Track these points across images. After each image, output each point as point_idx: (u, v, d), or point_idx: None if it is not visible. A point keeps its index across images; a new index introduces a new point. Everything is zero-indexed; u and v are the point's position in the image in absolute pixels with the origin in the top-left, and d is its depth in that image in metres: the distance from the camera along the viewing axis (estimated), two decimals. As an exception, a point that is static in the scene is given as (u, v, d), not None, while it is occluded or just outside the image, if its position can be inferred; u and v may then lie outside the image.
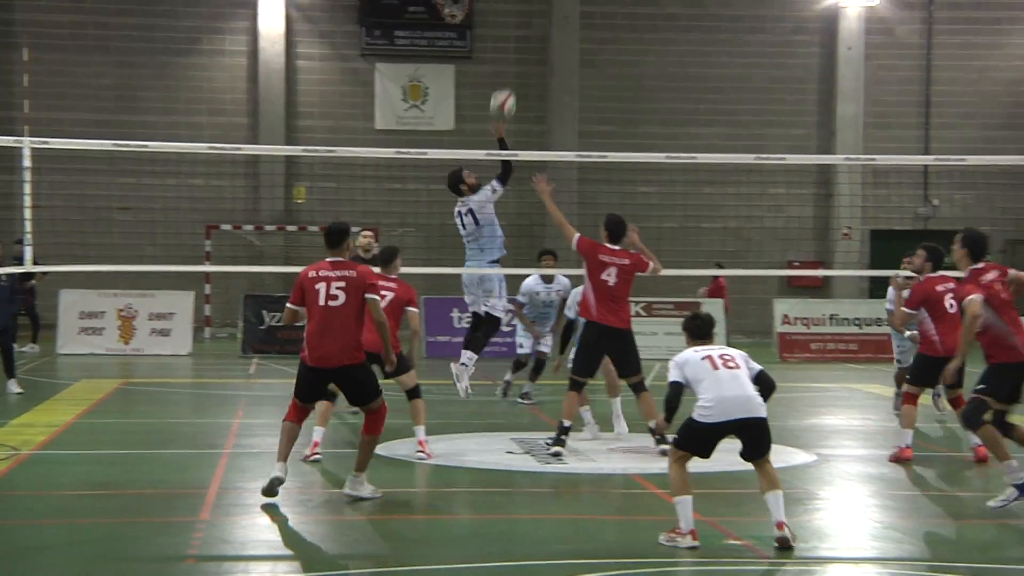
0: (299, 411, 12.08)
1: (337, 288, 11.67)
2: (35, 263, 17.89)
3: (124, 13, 32.80)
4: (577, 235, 14.95)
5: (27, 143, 17.22)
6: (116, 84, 32.84)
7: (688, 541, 9.97)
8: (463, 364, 15.27)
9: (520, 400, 19.50)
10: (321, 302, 11.72)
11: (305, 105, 33.58)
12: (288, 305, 12.21)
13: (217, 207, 31.20)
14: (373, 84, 33.64)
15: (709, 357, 10.36)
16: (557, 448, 14.51)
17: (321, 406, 13.35)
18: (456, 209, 16.53)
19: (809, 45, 34.63)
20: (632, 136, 32.74)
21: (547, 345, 19.40)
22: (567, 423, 14.65)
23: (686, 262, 26.38)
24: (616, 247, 14.88)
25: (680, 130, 32.79)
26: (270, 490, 11.56)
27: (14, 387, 20.46)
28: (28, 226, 17.81)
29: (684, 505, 10.08)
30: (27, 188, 17.46)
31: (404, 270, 16.74)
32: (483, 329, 15.90)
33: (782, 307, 29.73)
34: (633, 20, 34.20)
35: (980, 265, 12.57)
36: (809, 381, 24.47)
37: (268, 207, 32.67)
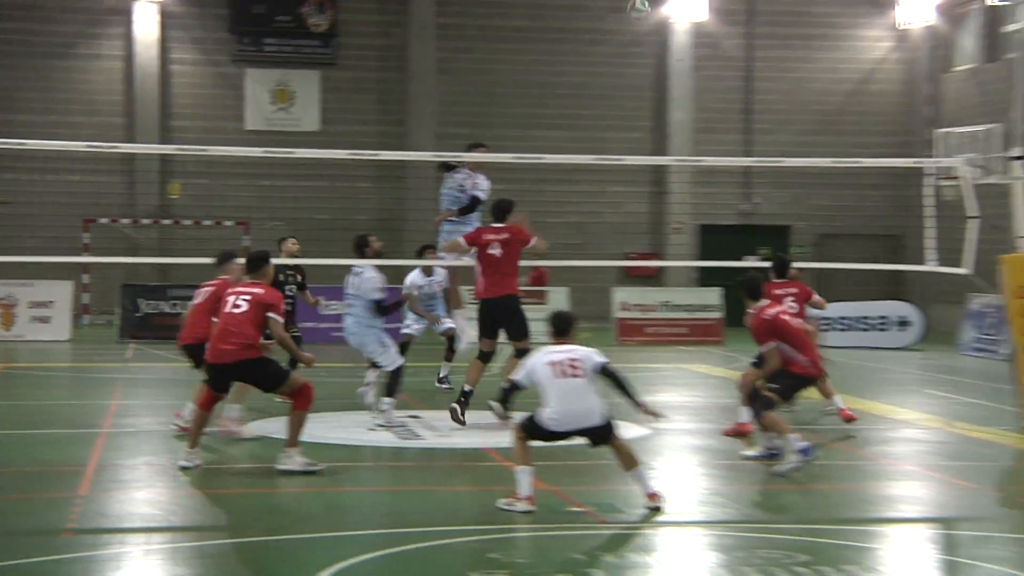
0: (213, 398, 12.22)
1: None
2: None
3: (4, 19, 32.12)
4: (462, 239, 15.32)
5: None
6: None
7: (524, 506, 10.08)
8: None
9: (439, 385, 18.75)
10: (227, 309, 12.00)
11: (179, 107, 33.17)
12: None
13: (95, 202, 30.68)
14: (243, 88, 33.32)
15: (555, 364, 10.43)
16: (455, 406, 14.49)
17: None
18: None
19: (644, 57, 34.87)
20: (484, 138, 32.47)
21: (449, 322, 18.56)
22: (468, 388, 14.68)
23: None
24: (500, 224, 15.40)
25: (528, 132, 32.83)
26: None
27: None
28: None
29: (523, 474, 10.20)
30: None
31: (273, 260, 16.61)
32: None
33: (620, 295, 29.96)
34: (485, 31, 34.22)
35: (764, 303, 13.17)
36: (644, 362, 24.66)
37: (144, 202, 32.26)
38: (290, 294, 17.18)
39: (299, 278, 17.80)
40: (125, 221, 31.26)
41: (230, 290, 12.45)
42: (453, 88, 33.90)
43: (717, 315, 29.89)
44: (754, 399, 12.73)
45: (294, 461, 11.80)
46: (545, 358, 10.59)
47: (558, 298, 28.47)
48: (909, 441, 15.33)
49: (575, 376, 10.40)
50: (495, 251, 14.99)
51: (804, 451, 12.00)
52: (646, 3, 18.14)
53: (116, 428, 15.12)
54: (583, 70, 34.45)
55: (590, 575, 8.58)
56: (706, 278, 31.98)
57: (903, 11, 35.55)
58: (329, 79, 33.60)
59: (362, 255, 15.98)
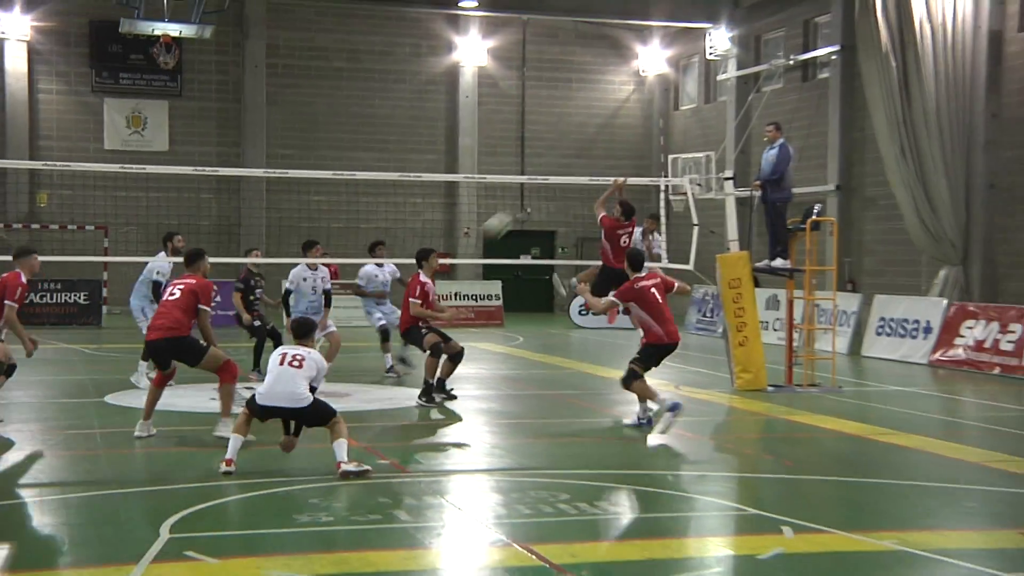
0: (161, 377, 11.87)
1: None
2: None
3: None
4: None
5: None
6: None
7: (224, 467, 9.83)
8: None
9: (390, 374, 17.68)
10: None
11: (46, 129, 32.04)
12: None
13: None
14: (103, 113, 32.36)
15: (283, 355, 10.12)
16: (425, 399, 14.38)
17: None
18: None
19: (438, 93, 34.91)
20: (308, 158, 32.40)
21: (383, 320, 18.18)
22: (430, 380, 14.45)
23: (349, 253, 26.34)
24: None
25: (344, 154, 32.57)
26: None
27: None
28: None
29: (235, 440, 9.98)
30: None
31: (128, 259, 16.27)
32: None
33: (419, 287, 29.92)
34: (308, 70, 33.85)
35: (641, 274, 13.03)
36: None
37: (15, 209, 31.11)
38: (257, 295, 17.18)
39: (262, 282, 17.44)
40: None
41: (174, 281, 12.13)
42: (281, 117, 33.49)
43: (498, 303, 30.16)
44: (625, 379, 12.69)
45: (227, 428, 11.07)
46: (277, 353, 10.26)
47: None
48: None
49: (294, 367, 10.00)
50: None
51: (673, 408, 12.07)
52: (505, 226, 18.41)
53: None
54: (389, 103, 34.37)
55: (394, 515, 8.58)
56: (489, 273, 32.22)
57: (642, 61, 36.32)
58: (176, 107, 32.89)
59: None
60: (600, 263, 16.14)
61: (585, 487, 9.73)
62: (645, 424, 12.76)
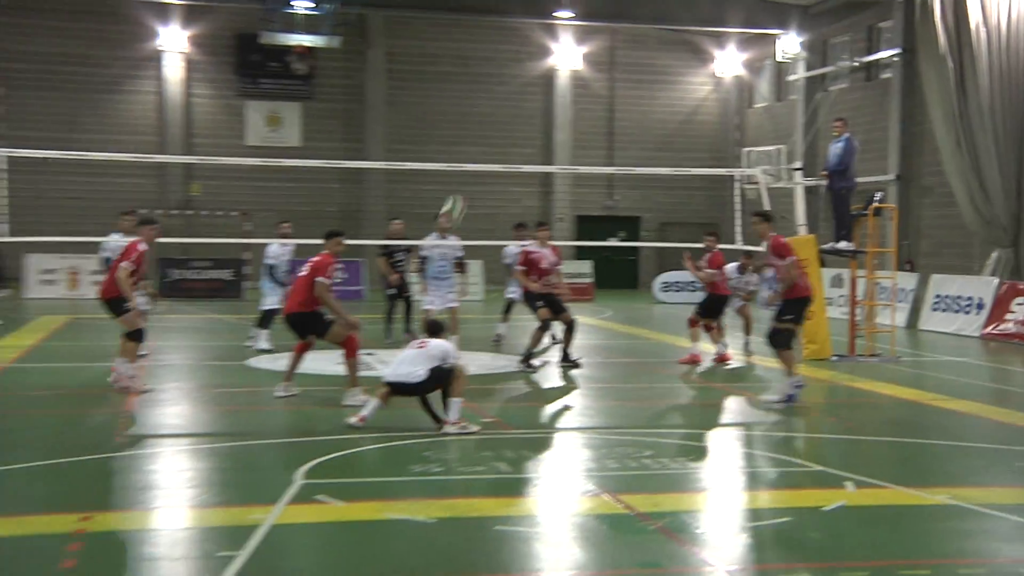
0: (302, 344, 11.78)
1: None
2: (11, 234, 17.11)
3: (70, 63, 31.43)
4: None
5: (1, 153, 16.37)
6: (66, 112, 31.44)
7: (354, 420, 9.84)
8: None
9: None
10: None
11: (198, 128, 32.64)
12: None
13: (134, 197, 30.10)
14: (245, 114, 32.87)
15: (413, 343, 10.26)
16: (525, 365, 14.25)
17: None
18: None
19: (536, 94, 34.84)
20: (421, 151, 32.56)
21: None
22: (533, 348, 14.36)
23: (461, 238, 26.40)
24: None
25: (452, 148, 32.68)
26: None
27: None
28: (6, 210, 17.00)
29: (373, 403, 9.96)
30: (4, 184, 16.66)
31: (266, 241, 16.50)
32: None
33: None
34: (421, 75, 33.99)
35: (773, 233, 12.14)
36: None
37: (173, 197, 31.77)
38: (399, 258, 17.12)
39: (406, 254, 17.33)
40: (158, 211, 30.76)
41: (310, 260, 11.79)
42: (398, 116, 33.71)
43: (589, 280, 30.03)
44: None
45: (356, 398, 11.11)
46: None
47: (475, 269, 28.51)
48: (722, 369, 15.43)
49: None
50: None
51: (790, 397, 11.61)
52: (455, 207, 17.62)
53: (153, 362, 14.93)
54: (492, 103, 34.39)
55: (497, 467, 8.62)
56: (581, 253, 32.11)
57: (719, 64, 35.85)
58: (308, 108, 33.27)
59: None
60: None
61: (666, 444, 9.68)
62: (790, 401, 11.69)
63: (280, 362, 14.08)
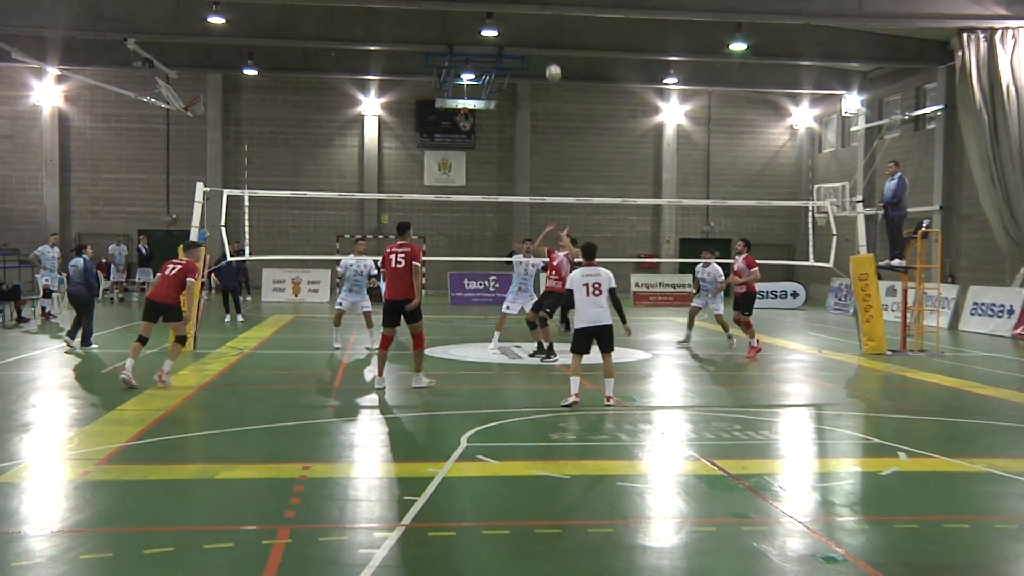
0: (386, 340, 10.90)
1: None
2: (249, 254, 17.76)
3: (295, 126, 32.51)
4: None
5: (245, 193, 17.05)
6: (290, 162, 32.52)
7: (571, 399, 9.74)
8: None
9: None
10: None
11: (388, 172, 33.30)
12: None
13: (341, 225, 30.96)
14: (423, 161, 33.42)
15: (586, 285, 9.60)
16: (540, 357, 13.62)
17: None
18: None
19: (648, 143, 34.42)
20: (558, 189, 32.56)
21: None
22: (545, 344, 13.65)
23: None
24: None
25: (582, 186, 32.58)
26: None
27: (239, 319, 20.45)
28: (246, 235, 17.67)
29: (574, 381, 9.91)
30: (246, 216, 17.32)
31: (438, 258, 16.68)
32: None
33: (635, 278, 29.78)
34: (558, 129, 33.95)
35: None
36: (649, 316, 24.49)
37: (367, 225, 32.50)
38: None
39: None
40: (358, 236, 31.45)
41: (389, 248, 10.75)
42: (540, 161, 33.75)
43: (690, 290, 29.51)
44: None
45: (421, 381, 11.03)
46: (581, 277, 9.57)
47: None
48: (797, 361, 15.07)
49: (595, 295, 9.56)
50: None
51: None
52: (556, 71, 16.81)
53: (354, 355, 15.30)
54: (613, 150, 34.14)
55: (618, 436, 8.55)
56: (683, 269, 31.61)
57: (794, 118, 34.85)
58: (470, 156, 33.59)
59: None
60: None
61: (752, 420, 9.43)
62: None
63: (454, 352, 14.25)
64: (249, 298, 27.71)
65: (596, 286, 9.68)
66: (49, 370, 12.52)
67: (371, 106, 32.83)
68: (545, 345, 13.83)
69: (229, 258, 17.04)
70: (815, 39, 25.91)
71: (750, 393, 11.69)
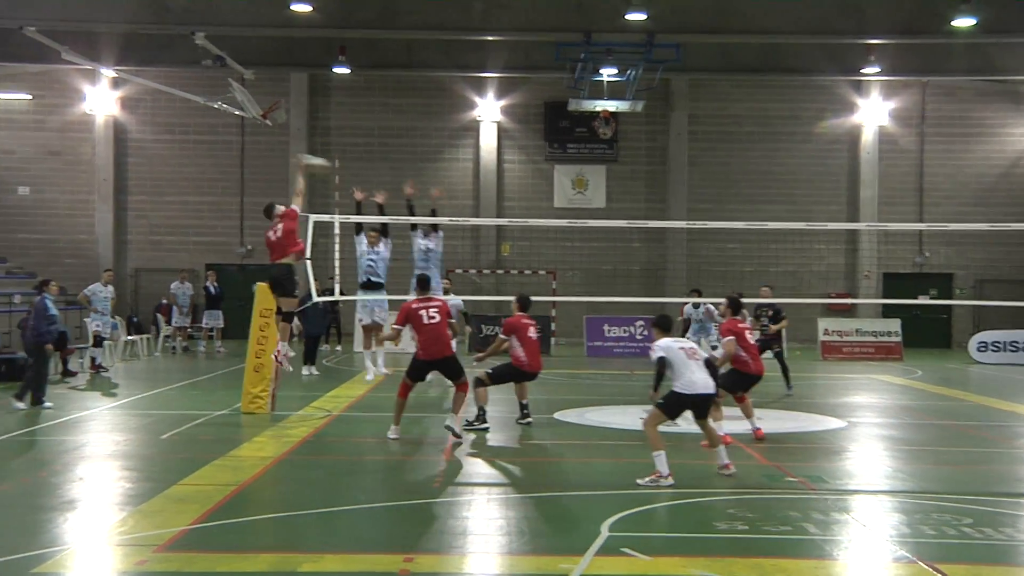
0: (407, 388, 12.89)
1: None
2: (341, 293, 18.30)
3: (396, 135, 33.40)
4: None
5: (336, 219, 17.59)
6: (391, 181, 32.95)
7: (668, 481, 9.87)
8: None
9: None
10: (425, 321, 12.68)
11: (509, 192, 33.80)
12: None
13: (452, 257, 31.40)
14: (553, 178, 33.75)
15: (684, 350, 10.36)
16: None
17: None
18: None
19: (841, 151, 33.86)
20: (723, 211, 32.36)
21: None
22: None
23: (760, 294, 26.03)
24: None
25: (755, 207, 32.28)
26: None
27: (314, 371, 20.99)
28: (336, 270, 18.19)
29: (660, 458, 9.99)
30: (336, 247, 17.83)
31: (570, 299, 16.75)
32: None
33: (824, 323, 29.18)
34: (724, 135, 33.83)
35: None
36: (842, 373, 23.88)
37: (484, 257, 32.96)
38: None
39: (770, 313, 18.54)
40: (472, 271, 32.01)
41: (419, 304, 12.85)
42: (699, 176, 33.62)
43: (897, 339, 28.71)
44: None
45: (454, 420, 12.56)
46: (676, 344, 10.42)
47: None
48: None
49: (695, 359, 10.35)
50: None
51: None
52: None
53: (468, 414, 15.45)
54: (795, 161, 33.71)
55: (804, 528, 8.35)
56: (888, 312, 30.75)
57: (1041, 113, 33.63)
58: (612, 170, 33.75)
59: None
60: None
61: (988, 513, 9.04)
62: None
63: (587, 416, 14.28)
64: (339, 348, 28.49)
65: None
66: (99, 435, 13.17)
67: (489, 110, 33.49)
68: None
69: (315, 299, 17.57)
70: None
71: (984, 476, 11.22)
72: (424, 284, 13.60)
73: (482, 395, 13.85)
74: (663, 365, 10.26)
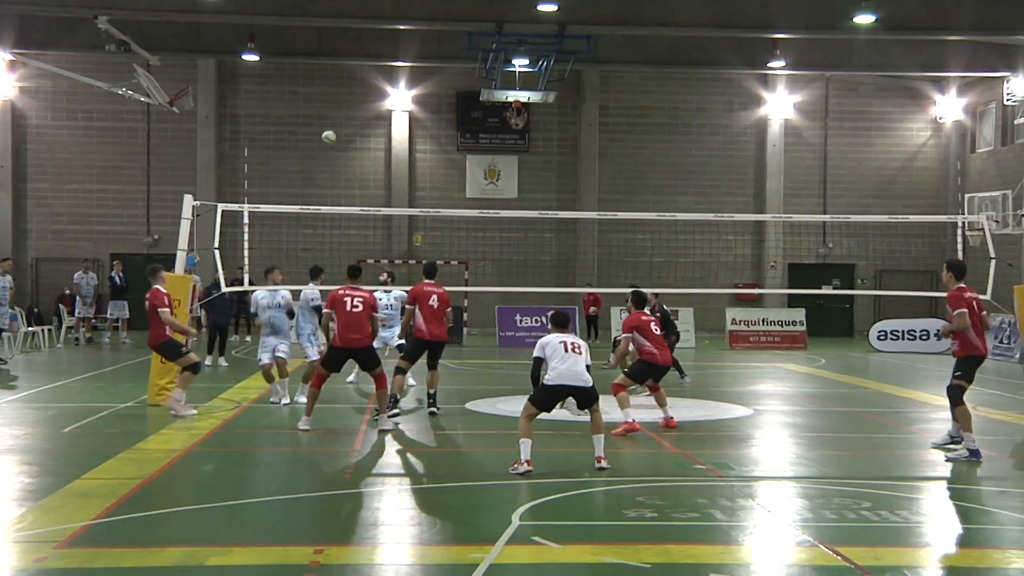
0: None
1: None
2: (249, 283, 18.05)
3: (306, 124, 33.00)
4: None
5: (245, 208, 17.36)
6: (301, 170, 33.00)
7: (524, 468, 9.99)
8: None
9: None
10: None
11: (421, 182, 33.68)
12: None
13: (364, 248, 31.25)
14: (465, 168, 33.71)
15: (564, 343, 10.38)
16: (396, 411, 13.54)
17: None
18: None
19: (748, 143, 34.39)
20: (633, 202, 32.67)
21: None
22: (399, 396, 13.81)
23: (668, 283, 26.38)
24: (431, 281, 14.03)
25: (664, 198, 32.65)
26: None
27: (223, 362, 20.79)
28: (246, 260, 17.95)
29: (524, 445, 10.12)
30: (245, 236, 17.60)
31: (483, 289, 16.83)
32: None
33: (731, 313, 29.66)
34: (634, 127, 34.10)
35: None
36: (749, 362, 24.32)
37: (396, 248, 32.82)
38: None
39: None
40: (384, 261, 31.85)
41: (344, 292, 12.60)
42: (610, 167, 33.89)
43: (802, 329, 29.33)
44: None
45: (386, 422, 12.61)
46: (556, 338, 10.40)
47: (686, 316, 28.31)
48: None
49: (576, 353, 10.35)
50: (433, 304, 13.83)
51: (973, 454, 11.24)
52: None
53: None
54: (704, 153, 34.17)
55: (711, 514, 8.48)
56: (793, 302, 31.38)
57: (939, 108, 34.52)
58: (524, 161, 33.84)
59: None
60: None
61: (886, 496, 9.29)
62: (953, 442, 11.70)
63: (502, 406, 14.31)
64: (248, 339, 28.12)
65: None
66: None
67: (401, 100, 33.31)
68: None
69: (224, 289, 17.33)
70: (968, 4, 25.71)
71: (882, 461, 11.53)
72: (354, 274, 13.03)
73: (399, 383, 13.81)
74: (536, 366, 10.50)
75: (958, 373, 11.63)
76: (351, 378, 17.53)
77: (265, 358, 15.05)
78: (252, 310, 15.55)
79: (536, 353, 10.49)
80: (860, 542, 7.67)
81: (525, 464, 9.95)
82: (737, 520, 8.39)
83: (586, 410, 10.56)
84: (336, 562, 7.05)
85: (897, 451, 12.32)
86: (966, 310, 11.53)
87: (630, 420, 12.52)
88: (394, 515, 8.54)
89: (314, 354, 15.07)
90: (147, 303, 13.56)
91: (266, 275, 15.74)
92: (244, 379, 18.53)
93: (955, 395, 11.55)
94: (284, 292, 15.29)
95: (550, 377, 10.32)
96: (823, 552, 7.40)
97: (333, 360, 12.75)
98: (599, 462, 10.26)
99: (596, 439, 10.42)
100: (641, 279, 23.61)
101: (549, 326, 10.86)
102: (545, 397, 10.36)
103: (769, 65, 30.39)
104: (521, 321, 28.80)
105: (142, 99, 27.72)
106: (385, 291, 17.26)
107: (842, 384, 19.81)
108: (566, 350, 10.33)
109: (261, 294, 15.33)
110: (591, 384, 10.36)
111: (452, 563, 7.08)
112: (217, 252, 16.65)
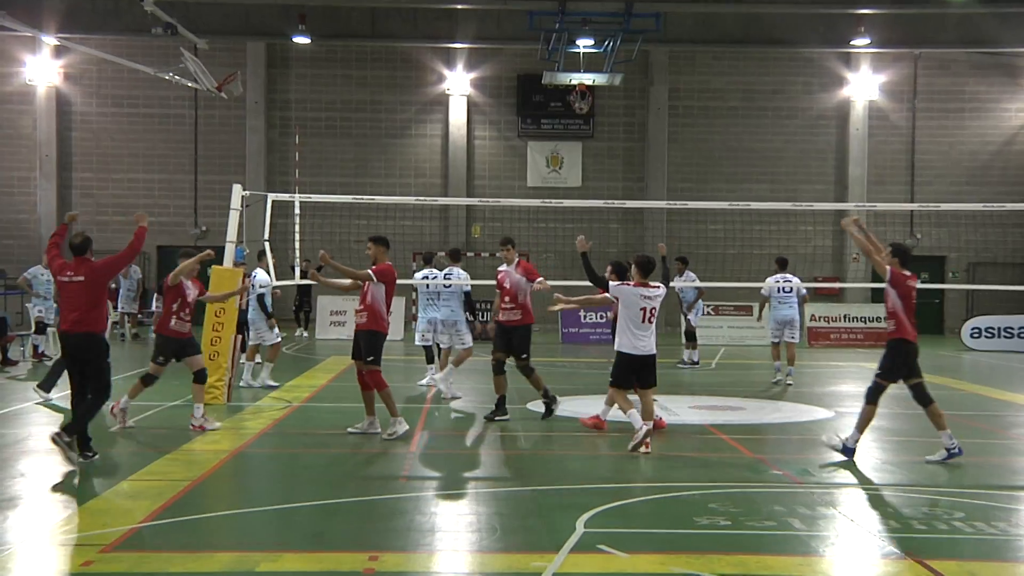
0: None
1: None
2: (303, 277, 18.25)
3: (360, 110, 33.25)
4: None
5: (296, 198, 17.51)
6: (355, 158, 33.27)
7: (644, 430, 11.05)
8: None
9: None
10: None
11: (480, 170, 33.78)
12: None
13: (420, 240, 31.40)
14: (526, 155, 33.74)
15: (644, 309, 11.14)
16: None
17: None
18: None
19: (828, 127, 34.03)
20: (704, 190, 32.51)
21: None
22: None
23: (743, 277, 26.16)
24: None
25: (738, 186, 32.45)
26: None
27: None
28: (297, 252, 18.12)
29: (632, 415, 11.19)
30: (297, 227, 17.76)
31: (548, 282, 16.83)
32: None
33: (810, 309, 29.34)
34: (705, 110, 33.92)
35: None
36: (829, 360, 24.05)
37: (454, 240, 32.92)
38: None
39: None
40: (441, 254, 31.91)
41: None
42: (680, 153, 33.71)
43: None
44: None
45: (401, 425, 12.47)
46: (636, 292, 11.15)
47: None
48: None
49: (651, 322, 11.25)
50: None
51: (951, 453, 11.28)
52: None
53: (435, 405, 15.40)
54: (781, 138, 33.86)
55: (788, 523, 8.40)
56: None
57: (1038, 88, 33.91)
58: (588, 147, 33.80)
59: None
60: None
61: (981, 506, 9.13)
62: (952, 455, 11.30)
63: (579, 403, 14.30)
64: (306, 334, 28.47)
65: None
66: (42, 427, 13.06)
67: (459, 83, 33.41)
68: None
69: (274, 283, 17.51)
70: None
71: (977, 468, 11.33)
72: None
73: (536, 380, 14.03)
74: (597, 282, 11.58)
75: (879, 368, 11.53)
76: (424, 381, 17.56)
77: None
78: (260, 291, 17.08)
79: (612, 293, 11.30)
80: (952, 555, 7.56)
81: (643, 430, 10.76)
82: (817, 530, 8.29)
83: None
84: (391, 570, 7.09)
85: (993, 457, 12.11)
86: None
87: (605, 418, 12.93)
88: (452, 521, 8.56)
89: (470, 341, 16.79)
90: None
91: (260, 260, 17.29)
92: (295, 377, 18.71)
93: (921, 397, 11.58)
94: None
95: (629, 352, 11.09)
96: (911, 565, 7.30)
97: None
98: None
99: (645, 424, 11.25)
100: (713, 272, 23.50)
101: (633, 270, 11.41)
102: (624, 372, 11.16)
103: (853, 43, 30.00)
104: (586, 317, 28.74)
105: (189, 84, 28.06)
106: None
107: (932, 385, 19.32)
108: (644, 319, 11.01)
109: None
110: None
111: (512, 571, 7.08)
112: (267, 244, 16.87)
